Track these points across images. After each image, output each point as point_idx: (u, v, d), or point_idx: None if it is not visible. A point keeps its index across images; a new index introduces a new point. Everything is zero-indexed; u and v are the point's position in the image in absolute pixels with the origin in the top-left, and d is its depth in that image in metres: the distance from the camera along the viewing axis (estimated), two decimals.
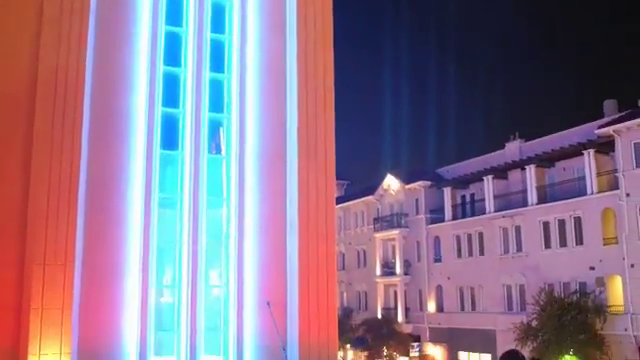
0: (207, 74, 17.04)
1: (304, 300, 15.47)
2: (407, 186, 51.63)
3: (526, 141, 44.31)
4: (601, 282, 35.57)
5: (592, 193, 36.38)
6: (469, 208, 47.61)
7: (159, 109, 15.90)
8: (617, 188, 34.88)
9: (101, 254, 13.99)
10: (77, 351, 13.13)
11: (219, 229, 15.84)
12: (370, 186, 56.95)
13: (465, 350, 45.53)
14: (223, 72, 17.48)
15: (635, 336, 32.84)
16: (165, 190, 15.28)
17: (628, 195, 34.05)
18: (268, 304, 14.96)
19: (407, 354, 49.07)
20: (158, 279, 14.76)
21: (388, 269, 53.60)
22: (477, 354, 44.48)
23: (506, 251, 42.51)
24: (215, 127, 16.78)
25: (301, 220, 15.86)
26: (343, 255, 58.92)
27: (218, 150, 16.58)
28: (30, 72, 14.42)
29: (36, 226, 13.09)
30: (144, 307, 14.15)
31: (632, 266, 33.64)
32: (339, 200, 51.09)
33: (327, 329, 15.57)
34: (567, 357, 33.52)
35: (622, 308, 34.34)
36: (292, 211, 15.99)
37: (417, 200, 51.10)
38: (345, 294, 58.74)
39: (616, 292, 35.15)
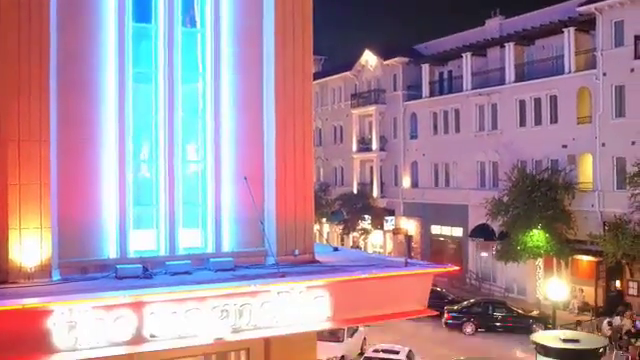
0: None
1: (281, 175, 15.63)
2: (385, 62, 51.22)
3: (507, 18, 43.72)
4: (572, 160, 36.41)
5: (569, 72, 36.47)
6: (446, 85, 47.64)
7: None
8: (594, 67, 34.96)
9: (77, 130, 13.86)
10: (57, 225, 13.31)
11: (195, 104, 15.70)
12: (347, 62, 56.37)
13: (438, 224, 47.02)
14: None
15: (601, 212, 34.07)
16: (139, 65, 14.96)
17: (605, 74, 34.21)
18: (245, 179, 15.12)
19: (381, 227, 50.56)
20: (135, 154, 14.74)
21: (364, 145, 54.16)
22: (449, 227, 45.99)
23: (481, 128, 43.01)
24: None
25: (278, 95, 15.73)
26: (320, 131, 59.20)
27: (193, 23, 16.15)
28: None
29: (8, 103, 12.85)
30: (122, 182, 14.22)
31: (603, 145, 34.36)
32: (316, 76, 50.70)
33: (304, 203, 15.84)
34: (535, 231, 34.81)
35: (591, 185, 35.38)
36: (269, 86, 15.83)
37: (395, 76, 50.88)
38: (321, 169, 59.57)
39: (586, 170, 36.09)
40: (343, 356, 26.26)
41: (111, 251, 14.05)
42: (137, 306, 12.01)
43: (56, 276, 13.16)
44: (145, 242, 14.63)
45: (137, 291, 12.18)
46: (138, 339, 12.05)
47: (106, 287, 12.41)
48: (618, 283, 34.68)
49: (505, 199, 36.56)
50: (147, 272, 13.69)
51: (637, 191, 29.90)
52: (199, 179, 15.49)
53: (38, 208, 12.94)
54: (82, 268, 13.64)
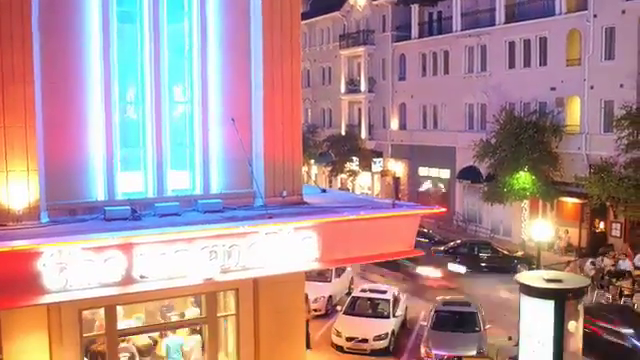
0: None
1: (269, 116, 15.53)
2: (374, 2, 50.49)
3: None
4: (560, 102, 36.43)
5: (560, 13, 36.12)
6: (436, 26, 47.12)
7: None
8: (585, 9, 34.61)
9: (61, 72, 13.61)
10: (44, 168, 13.23)
11: (181, 44, 15.46)
12: (336, 2, 55.47)
13: (425, 166, 47.21)
14: None
15: (587, 155, 34.30)
16: (124, 4, 14.66)
17: (595, 16, 33.91)
18: (233, 120, 15.03)
19: (369, 169, 50.74)
20: (121, 95, 14.56)
21: (353, 86, 53.86)
22: (437, 169, 46.21)
23: (470, 70, 42.79)
24: None
25: (265, 35, 15.49)
26: (308, 72, 58.69)
27: None
28: None
29: None
30: (108, 124, 14.08)
31: (592, 87, 34.33)
32: (304, 16, 49.89)
33: (292, 144, 15.78)
34: (521, 173, 35.06)
35: (578, 128, 35.53)
36: (256, 25, 15.57)
37: (384, 17, 50.25)
38: (310, 111, 59.31)
39: (574, 112, 36.16)
40: (331, 296, 26.68)
41: (99, 193, 14.03)
42: (126, 247, 12.07)
43: (44, 218, 13.17)
44: (133, 184, 14.61)
45: (126, 233, 12.23)
46: (128, 280, 12.16)
47: (95, 229, 12.44)
48: (602, 225, 35.19)
49: (493, 141, 36.68)
50: (135, 214, 13.71)
51: (623, 134, 30.04)
52: (186, 120, 15.38)
53: (24, 150, 12.85)
54: (70, 210, 13.64)
